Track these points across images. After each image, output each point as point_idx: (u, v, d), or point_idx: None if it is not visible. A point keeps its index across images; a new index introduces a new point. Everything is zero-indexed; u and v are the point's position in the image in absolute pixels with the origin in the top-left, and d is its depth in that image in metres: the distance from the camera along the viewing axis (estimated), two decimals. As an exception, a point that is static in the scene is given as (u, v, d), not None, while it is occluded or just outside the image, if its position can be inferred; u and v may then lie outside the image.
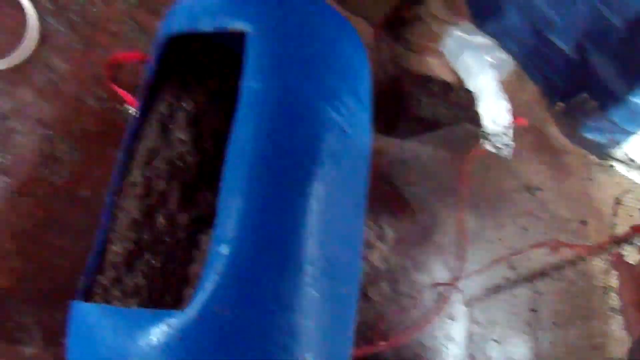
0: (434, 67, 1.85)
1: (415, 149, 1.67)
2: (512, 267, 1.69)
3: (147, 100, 0.92)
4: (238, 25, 0.76)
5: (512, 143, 1.82)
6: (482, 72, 1.93)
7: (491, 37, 2.00)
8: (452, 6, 1.74)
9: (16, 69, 1.24)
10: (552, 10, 1.90)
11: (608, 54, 1.89)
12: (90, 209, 1.13)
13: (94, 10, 1.36)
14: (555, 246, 1.44)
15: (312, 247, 0.65)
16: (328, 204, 0.71)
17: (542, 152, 1.98)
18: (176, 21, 0.84)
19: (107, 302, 0.71)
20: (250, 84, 0.71)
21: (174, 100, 0.94)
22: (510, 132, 1.84)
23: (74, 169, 1.21)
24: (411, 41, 1.77)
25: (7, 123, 1.20)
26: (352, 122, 0.82)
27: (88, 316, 0.64)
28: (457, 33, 1.92)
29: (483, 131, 1.78)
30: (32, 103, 1.23)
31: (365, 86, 0.93)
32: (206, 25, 0.79)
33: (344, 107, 0.82)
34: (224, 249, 0.58)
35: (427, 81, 1.68)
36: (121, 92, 1.24)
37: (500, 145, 1.79)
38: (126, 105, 1.24)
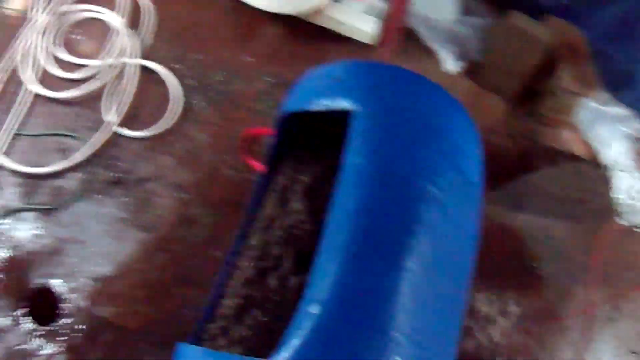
0: (567, 140, 1.79)
1: (546, 225, 1.60)
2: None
3: (269, 172, 1.03)
4: (343, 104, 0.85)
5: (652, 220, 1.68)
6: (617, 142, 1.82)
7: (628, 107, 1.91)
8: (584, 78, 1.70)
9: (159, 137, 1.45)
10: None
11: None
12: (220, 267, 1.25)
13: (234, 88, 1.55)
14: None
15: (401, 316, 0.67)
16: (422, 276, 0.74)
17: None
18: (293, 101, 0.95)
19: (213, 349, 0.79)
20: (352, 158, 0.78)
21: (293, 173, 1.03)
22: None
23: (209, 231, 1.35)
24: (543, 115, 1.75)
25: (148, 186, 1.39)
26: (453, 198, 0.85)
27: (187, 357, 0.72)
28: (591, 104, 1.86)
29: (618, 206, 1.66)
30: (172, 168, 1.41)
31: (472, 162, 0.95)
32: (316, 105, 0.88)
33: (446, 182, 0.85)
34: (314, 309, 0.63)
35: (557, 155, 1.63)
36: (254, 163, 1.38)
37: (637, 222, 1.65)
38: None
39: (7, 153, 1.48)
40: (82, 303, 1.25)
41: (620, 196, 1.65)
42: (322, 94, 0.91)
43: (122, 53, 1.58)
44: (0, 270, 1.33)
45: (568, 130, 1.78)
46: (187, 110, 1.51)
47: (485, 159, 1.55)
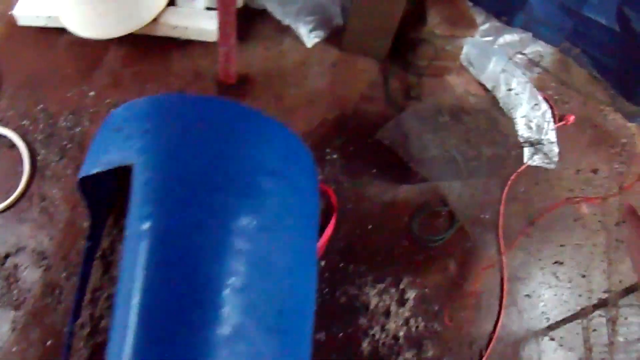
0: (456, 86, 1.66)
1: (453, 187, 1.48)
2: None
3: (91, 237, 0.95)
4: (125, 158, 0.77)
5: (556, 150, 1.57)
6: (513, 76, 1.69)
7: (523, 30, 1.76)
8: (458, 18, 1.55)
9: (15, 206, 1.37)
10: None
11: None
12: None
13: (82, 130, 1.44)
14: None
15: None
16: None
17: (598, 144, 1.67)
18: (85, 163, 0.88)
19: None
20: (134, 223, 0.71)
21: (115, 234, 0.95)
22: (554, 136, 1.58)
23: (74, 295, 1.28)
24: (422, 66, 1.61)
25: (11, 261, 1.31)
26: (264, 235, 0.78)
27: None
28: (478, 39, 1.71)
29: (523, 143, 1.55)
30: (32, 236, 1.33)
31: (296, 177, 0.88)
32: (100, 164, 0.81)
33: (247, 220, 0.78)
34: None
35: (435, 114, 1.47)
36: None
37: (544, 155, 1.54)
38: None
39: None
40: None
41: (523, 132, 1.54)
42: (106, 150, 0.83)
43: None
44: None
45: (455, 75, 1.65)
46: (40, 167, 1.41)
47: (364, 133, 1.44)
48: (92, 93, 1.49)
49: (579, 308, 1.35)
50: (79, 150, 1.42)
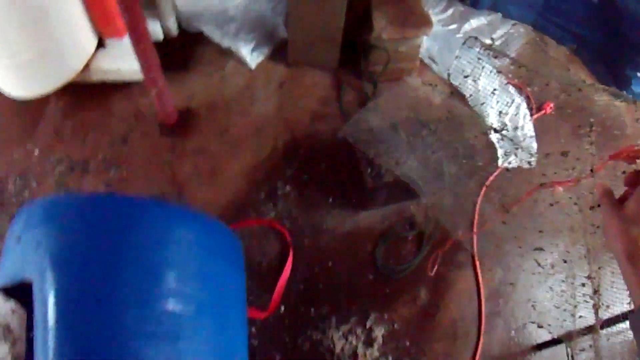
0: (418, 89, 1.49)
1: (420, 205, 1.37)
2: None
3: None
4: (23, 275, 0.73)
5: (534, 146, 1.41)
6: (481, 68, 1.52)
7: (491, 12, 1.57)
8: (409, 17, 1.38)
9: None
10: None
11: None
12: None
13: (30, 193, 1.40)
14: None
15: None
16: None
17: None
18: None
19: None
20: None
21: None
22: (531, 130, 1.42)
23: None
24: (376, 71, 1.46)
25: None
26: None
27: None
28: (441, 30, 1.54)
29: (497, 143, 1.40)
30: None
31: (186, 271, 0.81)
32: (5, 278, 0.77)
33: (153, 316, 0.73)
34: None
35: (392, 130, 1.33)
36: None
37: (522, 153, 1.39)
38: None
39: None
40: None
41: (492, 130, 1.39)
42: (10, 260, 0.79)
43: None
44: None
45: (416, 75, 1.50)
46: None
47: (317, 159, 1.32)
48: (36, 151, 1.44)
49: (563, 294, 1.27)
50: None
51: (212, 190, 1.36)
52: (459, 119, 1.36)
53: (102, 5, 1.35)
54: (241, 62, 1.48)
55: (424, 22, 1.36)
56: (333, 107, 1.44)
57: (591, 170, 1.39)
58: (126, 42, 1.44)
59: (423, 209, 1.33)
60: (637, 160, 0.83)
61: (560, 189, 1.35)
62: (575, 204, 1.37)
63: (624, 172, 0.80)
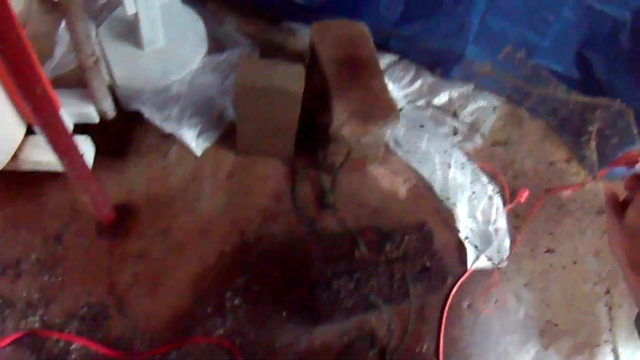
0: (380, 180, 1.36)
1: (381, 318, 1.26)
2: None
3: None
4: None
5: (507, 243, 1.31)
6: (450, 155, 1.40)
7: (463, 83, 1.42)
8: (374, 106, 1.23)
9: None
10: (531, 31, 1.25)
11: (615, 55, 1.19)
12: None
13: None
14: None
15: None
16: None
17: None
18: None
19: None
20: None
21: None
22: (504, 223, 1.31)
23: None
24: (335, 162, 1.32)
25: None
26: None
27: None
28: (407, 108, 1.39)
29: (467, 243, 1.28)
30: None
31: None
32: None
33: None
34: None
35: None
36: None
37: (492, 253, 1.29)
38: None
39: None
40: None
41: (462, 227, 1.27)
42: None
43: None
44: None
45: (379, 163, 1.36)
46: None
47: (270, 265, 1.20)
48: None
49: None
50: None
51: (155, 302, 1.24)
52: (427, 226, 1.23)
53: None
54: (186, 148, 1.34)
55: (391, 112, 1.21)
56: (287, 202, 1.31)
57: (594, 177, 1.34)
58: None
59: (385, 321, 1.22)
60: (637, 165, 0.84)
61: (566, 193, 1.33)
62: (582, 207, 1.41)
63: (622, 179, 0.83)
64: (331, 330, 1.22)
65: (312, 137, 1.33)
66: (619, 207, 0.70)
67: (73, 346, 1.22)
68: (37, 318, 1.25)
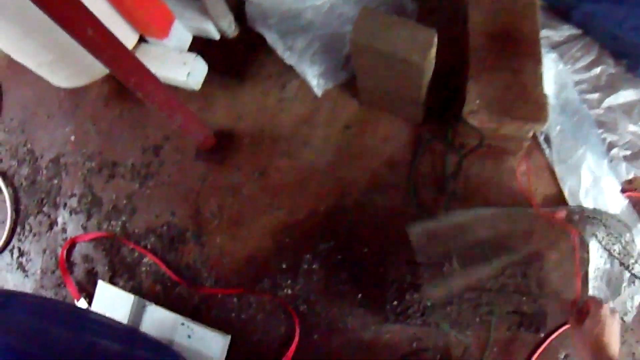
0: (515, 180, 1.10)
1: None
2: None
3: None
4: None
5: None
6: (598, 180, 1.10)
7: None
8: (516, 100, 0.97)
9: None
10: None
11: None
12: None
13: (57, 182, 1.30)
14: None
15: None
16: None
17: None
18: None
19: None
20: None
21: None
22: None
23: None
24: (467, 144, 1.11)
25: None
26: None
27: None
28: (575, 99, 1.10)
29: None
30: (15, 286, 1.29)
31: None
32: None
33: None
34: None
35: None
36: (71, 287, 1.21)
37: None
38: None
39: None
40: None
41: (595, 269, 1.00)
42: None
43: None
44: None
45: (518, 158, 1.10)
46: (22, 218, 1.33)
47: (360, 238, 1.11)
48: (73, 137, 1.32)
49: None
50: (53, 208, 1.29)
51: (232, 241, 1.16)
52: (541, 263, 0.97)
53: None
54: (306, 85, 1.19)
55: (537, 112, 0.94)
56: (401, 175, 1.12)
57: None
58: (167, 43, 1.21)
59: (464, 343, 1.01)
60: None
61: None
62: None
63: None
64: (403, 331, 1.04)
65: (445, 108, 1.10)
66: (580, 316, 0.83)
67: (145, 260, 1.19)
68: (119, 224, 1.23)
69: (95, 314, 1.02)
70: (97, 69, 1.22)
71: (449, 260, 0.94)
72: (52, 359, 0.71)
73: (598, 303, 0.81)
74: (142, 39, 1.27)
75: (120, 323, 1.03)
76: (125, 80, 0.88)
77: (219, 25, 1.20)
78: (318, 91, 1.19)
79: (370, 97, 1.14)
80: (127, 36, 1.21)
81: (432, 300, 0.96)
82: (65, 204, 1.29)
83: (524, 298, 0.94)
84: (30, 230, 1.31)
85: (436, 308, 0.93)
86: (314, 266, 1.11)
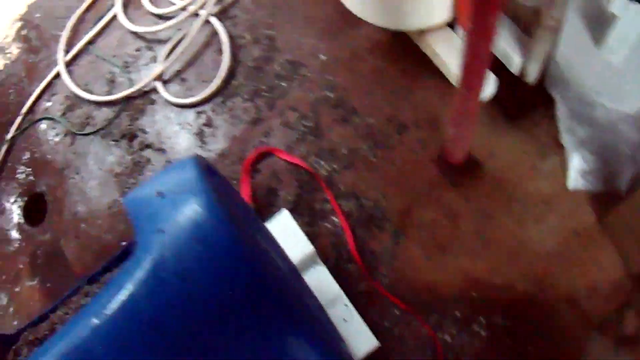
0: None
1: None
2: None
3: None
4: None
5: None
6: None
7: None
8: None
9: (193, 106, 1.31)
10: None
11: None
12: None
13: (286, 87, 1.24)
14: None
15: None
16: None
17: None
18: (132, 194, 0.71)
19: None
20: None
21: None
22: None
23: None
24: None
25: (148, 152, 1.31)
26: None
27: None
28: None
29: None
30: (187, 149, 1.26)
31: None
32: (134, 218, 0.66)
33: None
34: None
35: None
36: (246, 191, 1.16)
37: None
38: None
39: (68, 65, 1.52)
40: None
41: None
42: (146, 206, 0.65)
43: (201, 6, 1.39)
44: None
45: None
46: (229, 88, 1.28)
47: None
48: (322, 57, 1.26)
49: None
50: (266, 106, 1.23)
51: (428, 260, 1.12)
52: None
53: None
54: (564, 169, 1.14)
55: None
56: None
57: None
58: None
59: None
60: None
61: None
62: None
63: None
64: None
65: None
66: None
67: (333, 217, 1.14)
68: (328, 168, 1.20)
69: (270, 233, 0.96)
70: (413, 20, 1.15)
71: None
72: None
73: None
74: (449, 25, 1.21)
75: (291, 262, 0.97)
76: (466, 70, 0.82)
77: (526, 65, 1.14)
78: (571, 184, 1.15)
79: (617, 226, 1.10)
80: (442, 12, 1.15)
81: None
82: (282, 112, 1.23)
83: None
84: (231, 110, 1.24)
85: None
86: (482, 333, 1.07)
